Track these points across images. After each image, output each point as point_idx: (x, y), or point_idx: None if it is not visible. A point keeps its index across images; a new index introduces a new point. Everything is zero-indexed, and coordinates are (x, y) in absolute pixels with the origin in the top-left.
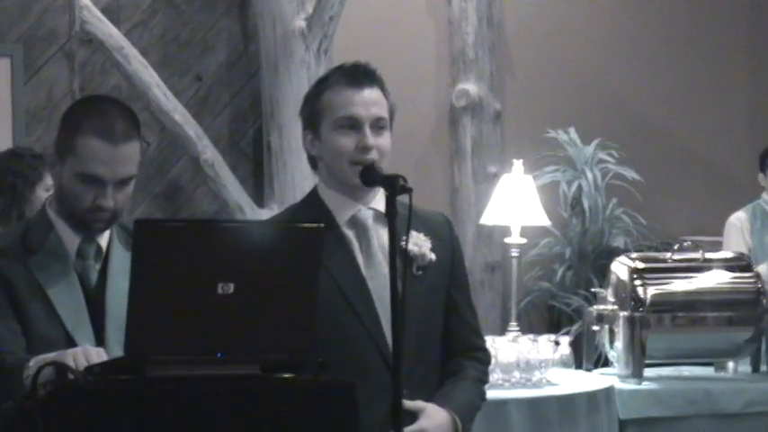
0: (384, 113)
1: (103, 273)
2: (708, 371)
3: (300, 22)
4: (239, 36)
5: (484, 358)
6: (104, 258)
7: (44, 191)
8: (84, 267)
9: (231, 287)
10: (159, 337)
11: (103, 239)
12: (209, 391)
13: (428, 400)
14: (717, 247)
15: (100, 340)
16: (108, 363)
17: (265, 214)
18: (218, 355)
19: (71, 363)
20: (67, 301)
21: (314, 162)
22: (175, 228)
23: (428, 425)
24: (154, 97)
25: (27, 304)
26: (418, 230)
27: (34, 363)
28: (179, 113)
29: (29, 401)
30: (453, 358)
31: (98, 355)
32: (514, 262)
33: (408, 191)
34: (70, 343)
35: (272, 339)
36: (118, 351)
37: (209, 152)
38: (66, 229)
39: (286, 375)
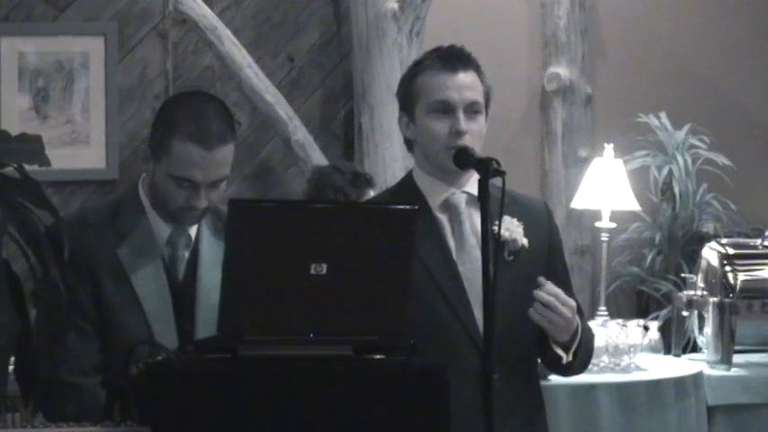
0: (478, 97)
1: (192, 263)
2: None
3: (393, 4)
4: (331, 17)
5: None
6: (193, 248)
7: None
8: (173, 257)
9: (324, 267)
10: (252, 316)
11: (192, 227)
12: (300, 371)
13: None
14: None
15: (181, 331)
16: (201, 342)
17: None
18: (311, 335)
19: None
20: (151, 292)
21: (410, 145)
22: (269, 208)
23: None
24: (246, 78)
25: (110, 294)
26: (512, 215)
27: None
28: (271, 94)
29: (122, 379)
30: None
31: None
32: (604, 246)
33: (502, 174)
34: (150, 333)
35: (364, 320)
36: None
37: (300, 133)
38: (158, 218)
39: (377, 357)
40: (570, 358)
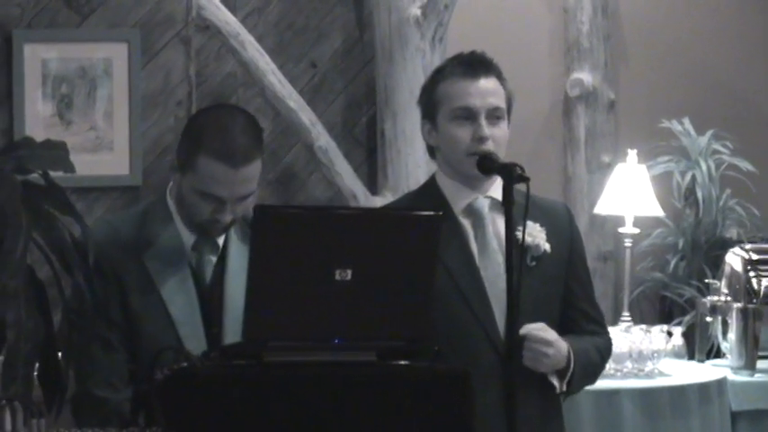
0: (500, 103)
1: (220, 268)
2: None
3: (415, 10)
4: (354, 23)
5: (601, 339)
6: (221, 253)
7: None
8: (200, 262)
9: (349, 273)
10: (277, 322)
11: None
12: (325, 376)
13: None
14: None
15: (210, 338)
16: (226, 348)
17: (379, 202)
18: (335, 341)
19: None
20: (178, 297)
21: (432, 152)
22: (294, 214)
23: (553, 336)
24: (269, 84)
25: (137, 300)
26: (535, 220)
27: None
28: (293, 100)
29: (147, 385)
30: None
31: None
32: (627, 252)
33: (525, 179)
34: (177, 338)
35: (388, 326)
36: None
37: (323, 139)
38: (184, 226)
39: (402, 362)
40: (564, 389)
